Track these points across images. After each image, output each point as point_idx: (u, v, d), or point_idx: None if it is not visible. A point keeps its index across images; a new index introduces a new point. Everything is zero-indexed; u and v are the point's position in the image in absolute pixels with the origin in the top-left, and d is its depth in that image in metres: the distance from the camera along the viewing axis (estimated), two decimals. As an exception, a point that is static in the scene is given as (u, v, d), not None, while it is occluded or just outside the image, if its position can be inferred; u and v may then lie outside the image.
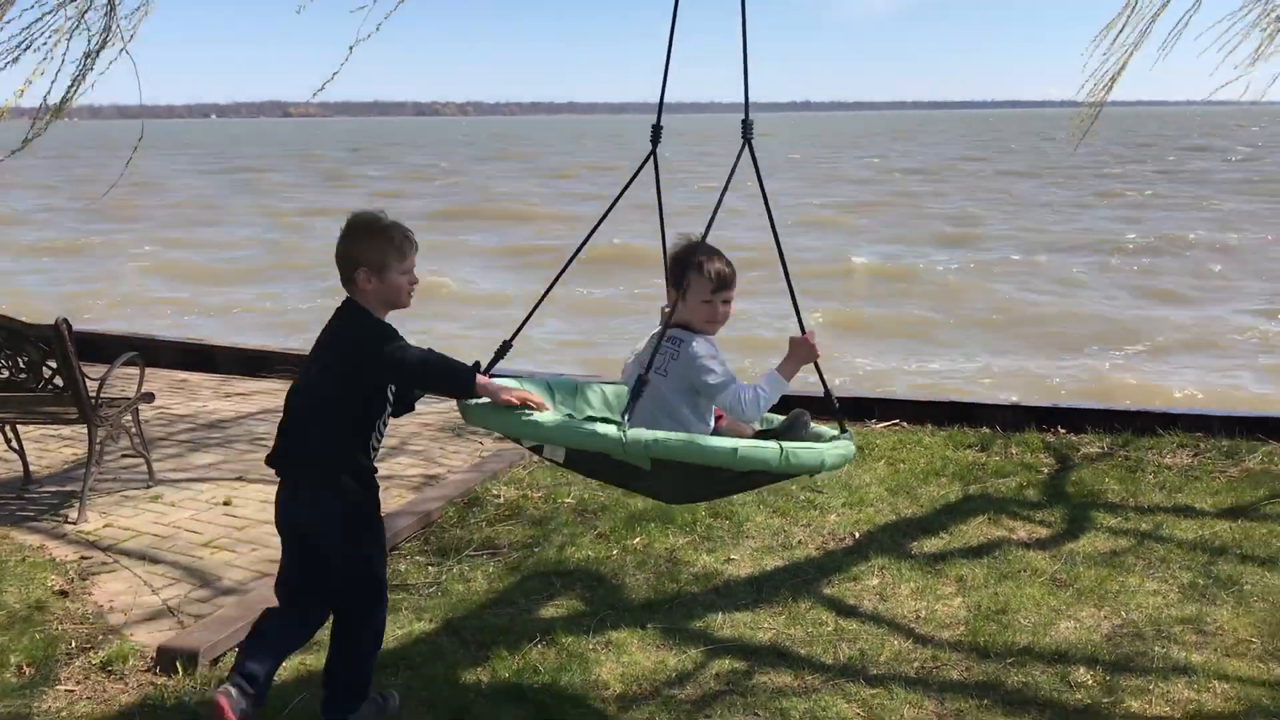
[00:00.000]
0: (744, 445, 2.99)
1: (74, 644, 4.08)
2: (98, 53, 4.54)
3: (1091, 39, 7.26)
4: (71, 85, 4.58)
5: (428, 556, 4.95)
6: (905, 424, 7.00)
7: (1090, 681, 3.77)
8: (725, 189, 3.26)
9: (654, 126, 3.55)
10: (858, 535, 5.13)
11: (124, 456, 6.28)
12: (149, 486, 5.93)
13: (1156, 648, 4.00)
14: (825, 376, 3.49)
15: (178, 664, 3.85)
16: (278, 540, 4.80)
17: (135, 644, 4.07)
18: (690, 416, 3.31)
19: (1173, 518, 5.30)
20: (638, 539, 5.08)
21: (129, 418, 5.83)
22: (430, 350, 3.26)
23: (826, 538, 5.11)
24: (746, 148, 3.43)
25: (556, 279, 3.55)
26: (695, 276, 3.34)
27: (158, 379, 8.24)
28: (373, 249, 3.26)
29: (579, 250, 3.62)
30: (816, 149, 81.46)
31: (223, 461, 6.42)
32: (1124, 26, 7.42)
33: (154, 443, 6.53)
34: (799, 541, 5.05)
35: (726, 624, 4.25)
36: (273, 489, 5.50)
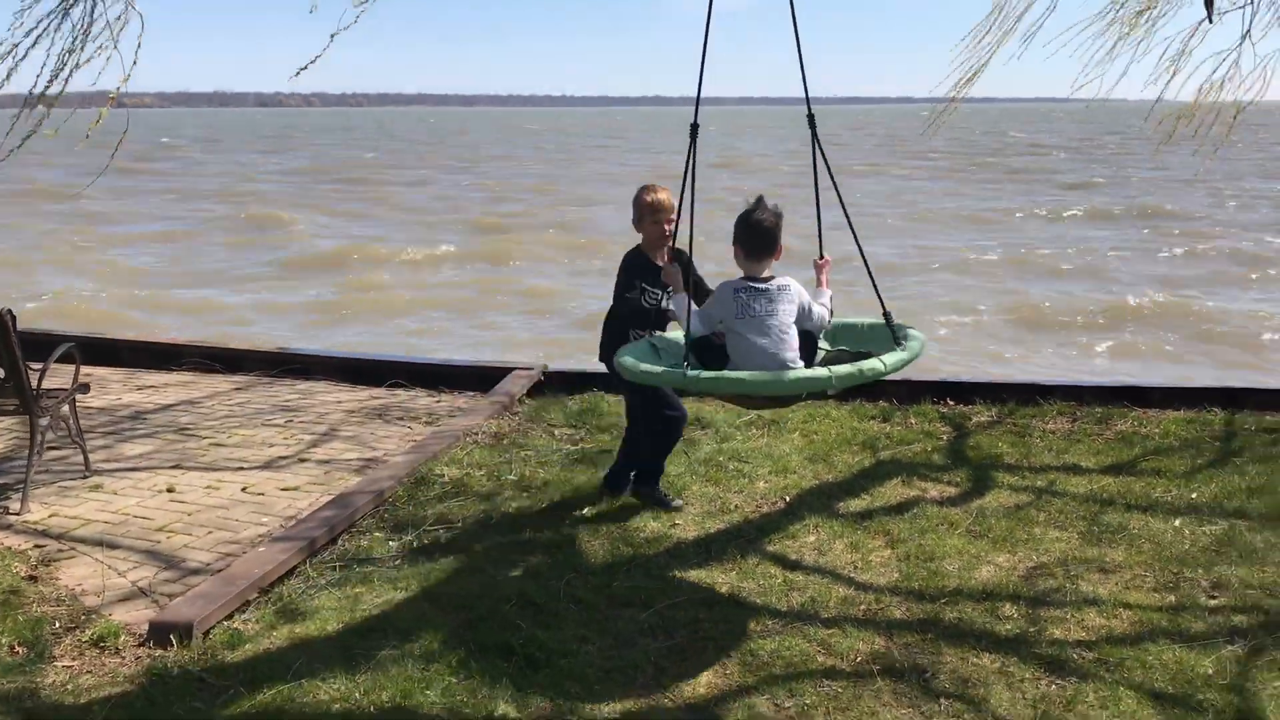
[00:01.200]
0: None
1: (58, 625, 4.18)
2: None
3: (960, 39, 7.86)
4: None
5: (386, 532, 5.15)
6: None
7: (1015, 615, 4.26)
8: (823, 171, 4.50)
9: (692, 124, 4.48)
10: (788, 499, 5.54)
11: (50, 448, 6.25)
12: (85, 477, 5.95)
13: (1067, 584, 4.52)
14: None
15: (172, 637, 3.99)
16: (233, 523, 5.06)
17: (120, 622, 4.19)
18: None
19: (1063, 475, 5.88)
20: (585, 509, 5.39)
21: (66, 408, 5.84)
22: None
23: (759, 502, 5.51)
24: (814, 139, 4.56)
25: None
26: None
27: (61, 373, 8.11)
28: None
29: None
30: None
31: (154, 451, 6.45)
32: (990, 29, 8.07)
33: (62, 438, 6.50)
34: (735, 506, 5.44)
35: (684, 581, 4.60)
36: (215, 475, 5.72)
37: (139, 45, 4.90)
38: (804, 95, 4.75)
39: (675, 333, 4.89)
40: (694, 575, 4.65)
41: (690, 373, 4.19)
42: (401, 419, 7.17)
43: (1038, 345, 14.88)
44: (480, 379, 7.98)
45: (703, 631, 4.14)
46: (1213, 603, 4.37)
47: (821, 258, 4.93)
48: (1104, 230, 27.04)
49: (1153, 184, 39.19)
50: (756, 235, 4.57)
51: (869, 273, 4.70)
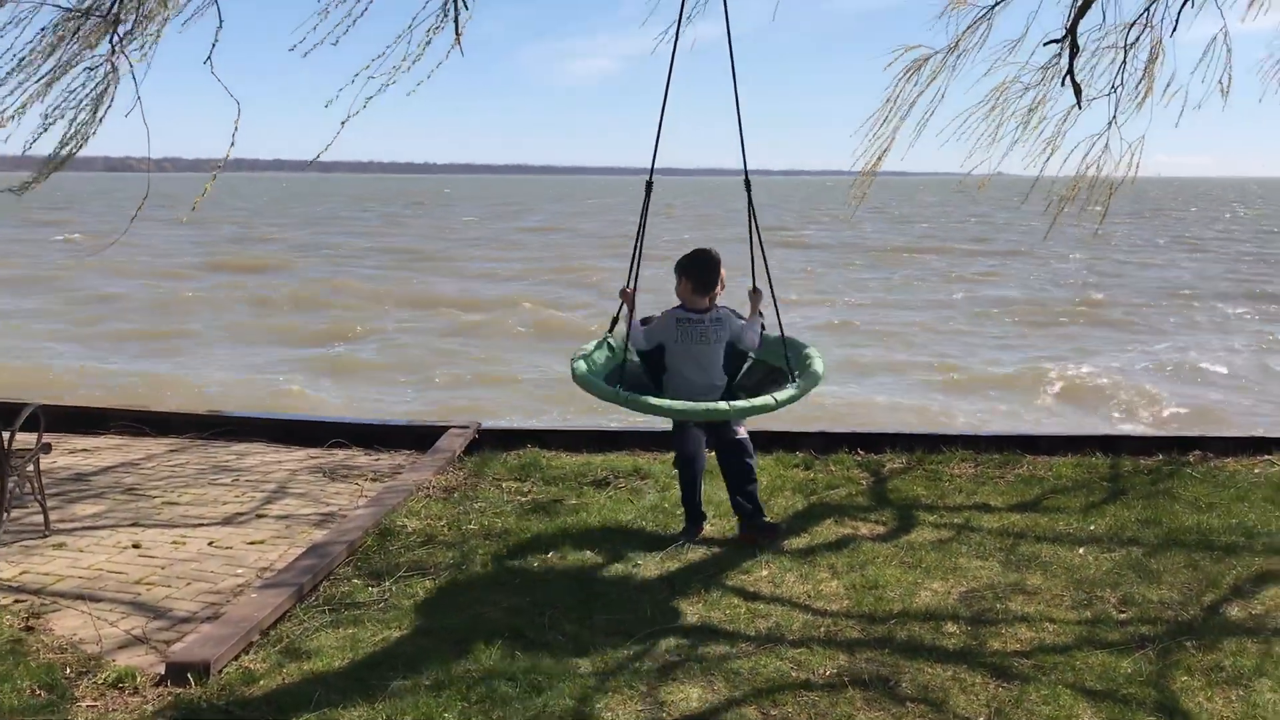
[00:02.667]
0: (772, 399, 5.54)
1: (69, 670, 4.33)
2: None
3: (860, 124, 8.65)
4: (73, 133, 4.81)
5: (364, 579, 5.40)
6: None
7: (958, 632, 4.79)
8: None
9: (647, 182, 5.66)
10: (736, 539, 6.00)
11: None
12: (45, 535, 6.03)
13: (997, 605, 5.08)
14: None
15: (189, 676, 4.20)
16: (209, 575, 5.34)
17: (131, 666, 4.37)
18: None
19: (976, 513, 6.49)
20: (550, 554, 5.74)
21: (31, 467, 5.94)
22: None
23: (710, 543, 5.94)
24: (748, 196, 5.79)
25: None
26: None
27: None
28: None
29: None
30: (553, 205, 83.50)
31: (109, 511, 6.54)
32: (886, 118, 8.88)
33: (26, 496, 6.56)
34: (688, 547, 5.86)
35: (656, 614, 4.99)
36: (177, 532, 5.96)
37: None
38: (742, 165, 5.89)
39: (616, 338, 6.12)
40: (664, 609, 5.05)
41: (622, 394, 5.44)
42: (347, 476, 7.40)
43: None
44: (416, 438, 8.25)
45: (684, 655, 4.54)
46: (1123, 616, 4.98)
47: (755, 289, 6.14)
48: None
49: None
50: (702, 271, 5.84)
51: (777, 313, 5.99)
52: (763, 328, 6.15)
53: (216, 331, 21.91)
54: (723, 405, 5.52)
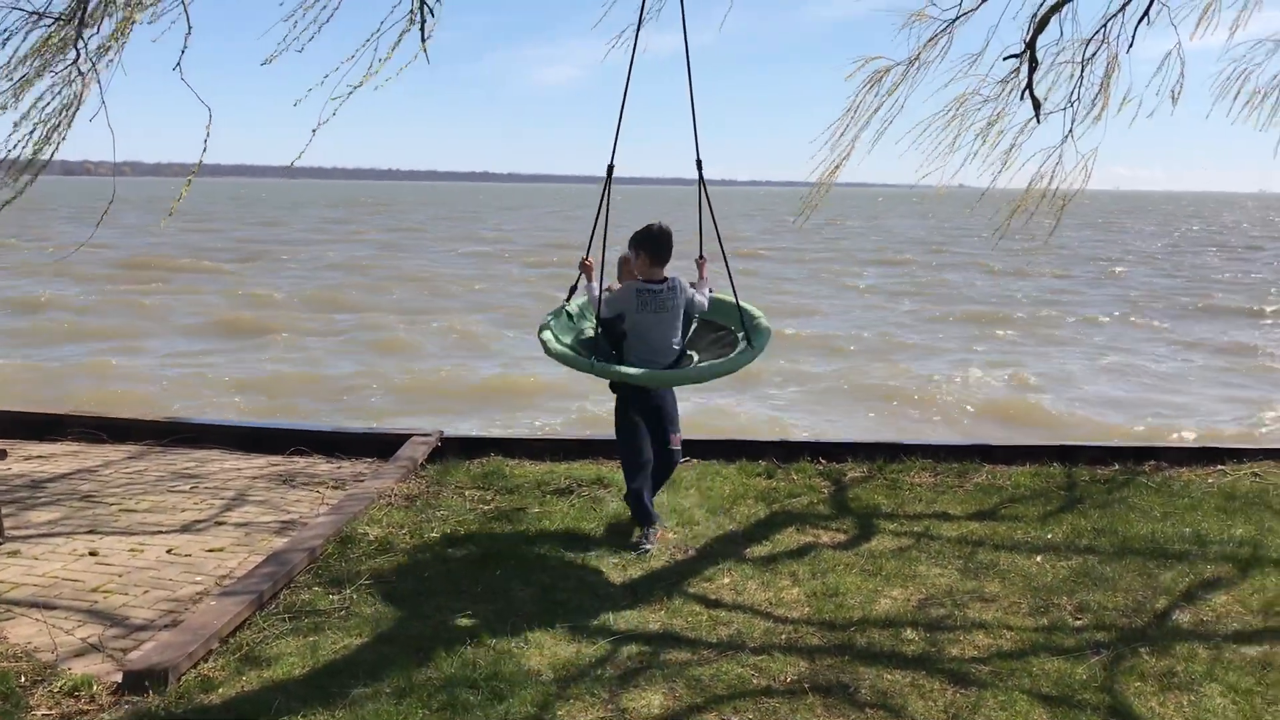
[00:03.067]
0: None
1: (24, 679, 4.28)
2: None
3: (820, 133, 8.74)
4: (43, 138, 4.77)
5: (325, 587, 5.37)
6: (697, 460, 8.00)
7: (916, 638, 4.84)
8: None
9: (609, 166, 5.94)
10: (698, 547, 6.03)
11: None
12: (0, 543, 5.95)
13: (955, 612, 5.14)
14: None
15: (147, 684, 4.17)
16: (167, 582, 5.30)
17: (88, 674, 4.32)
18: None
19: (935, 521, 6.56)
20: (512, 561, 5.74)
21: (-15, 474, 5.86)
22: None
23: (673, 551, 5.97)
24: (699, 177, 6.21)
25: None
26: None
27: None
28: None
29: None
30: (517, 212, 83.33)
31: (65, 518, 6.46)
32: (846, 127, 8.98)
33: (-20, 504, 6.48)
34: (651, 555, 5.88)
35: (619, 620, 5.01)
36: (135, 539, 5.90)
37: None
38: (695, 151, 6.24)
39: (574, 305, 6.52)
40: (627, 616, 5.06)
41: (597, 364, 5.82)
42: (308, 484, 7.36)
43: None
44: (378, 446, 8.22)
45: (646, 662, 4.56)
46: (1078, 622, 5.05)
47: (701, 256, 6.70)
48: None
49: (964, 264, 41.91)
50: (657, 244, 6.11)
51: (730, 277, 6.27)
52: (710, 290, 6.60)
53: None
54: (690, 370, 6.11)
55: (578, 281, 6.40)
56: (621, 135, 6.15)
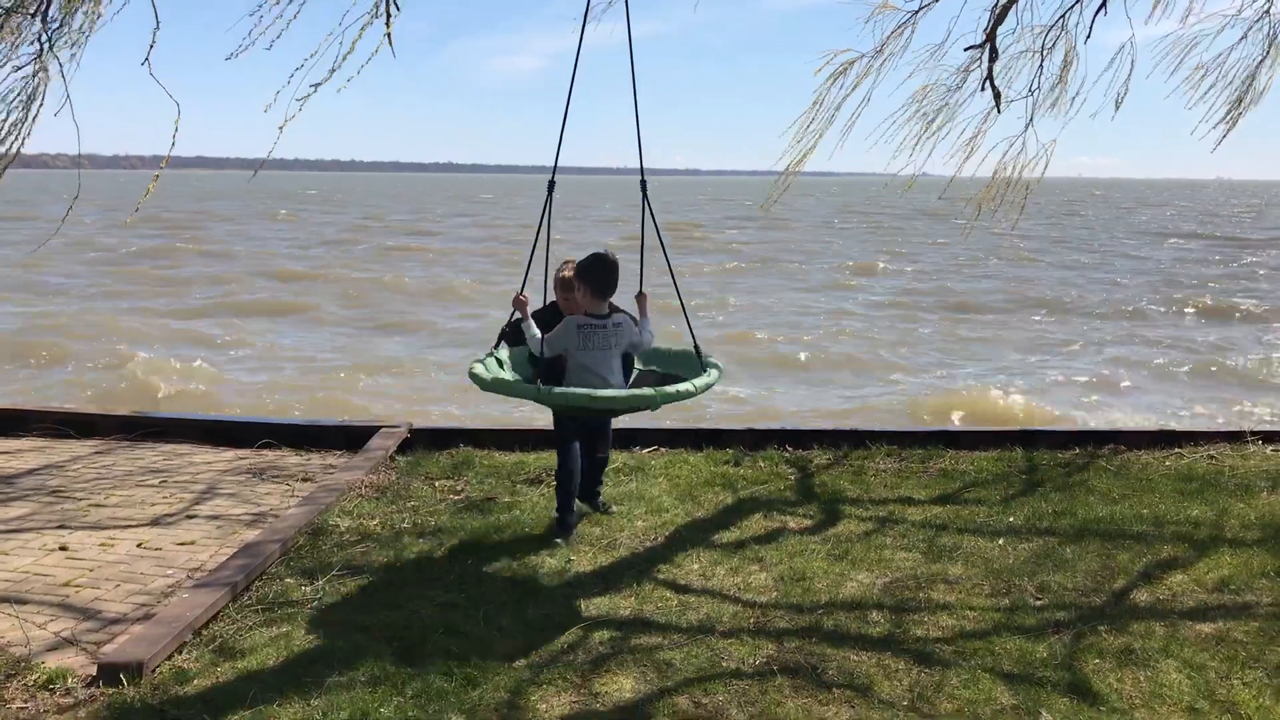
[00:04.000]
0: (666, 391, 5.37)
1: (-3, 674, 4.30)
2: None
3: (787, 126, 8.81)
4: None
5: (298, 578, 5.40)
6: (665, 448, 8.08)
7: (882, 620, 4.94)
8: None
9: (549, 182, 5.66)
10: (667, 534, 6.10)
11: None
12: (-32, 539, 5.94)
13: (920, 594, 5.25)
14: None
15: (122, 677, 4.19)
16: (139, 576, 5.35)
17: (62, 667, 4.34)
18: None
19: (899, 506, 6.67)
20: (483, 550, 5.79)
21: (-47, 470, 5.84)
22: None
23: (642, 538, 6.04)
24: (644, 199, 5.72)
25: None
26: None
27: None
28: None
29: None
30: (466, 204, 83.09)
31: (33, 513, 6.45)
32: (813, 119, 9.06)
33: (-53, 500, 6.46)
34: (620, 543, 5.95)
35: (591, 607, 5.08)
36: (105, 534, 5.90)
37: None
38: (639, 164, 5.91)
39: (503, 352, 5.96)
40: (598, 602, 5.13)
41: (543, 388, 5.26)
42: (278, 477, 7.37)
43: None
44: (347, 438, 8.24)
45: (617, 647, 4.63)
46: (1039, 603, 5.17)
47: (641, 292, 6.12)
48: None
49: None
50: (603, 276, 5.74)
51: (684, 311, 6.02)
52: (650, 331, 6.04)
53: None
54: (649, 392, 5.40)
55: (510, 319, 5.91)
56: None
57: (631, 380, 6.05)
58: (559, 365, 5.76)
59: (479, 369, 5.51)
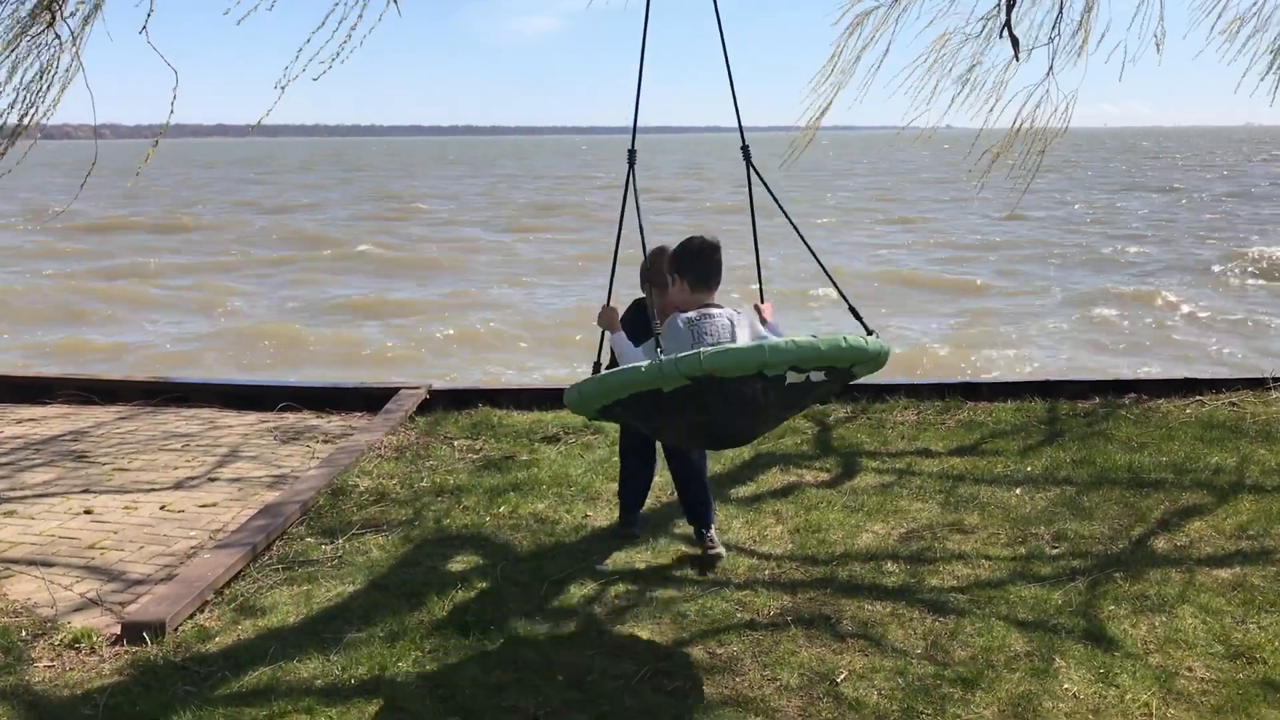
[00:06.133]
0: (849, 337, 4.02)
1: (24, 633, 4.37)
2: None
3: (809, 79, 8.70)
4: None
5: (317, 538, 5.47)
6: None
7: (897, 570, 4.95)
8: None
9: (630, 150, 4.54)
10: (683, 489, 6.12)
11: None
12: (-6, 505, 6.03)
13: (935, 544, 5.25)
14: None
15: (145, 635, 4.26)
16: (163, 538, 5.40)
17: (88, 627, 4.42)
18: None
19: (917, 458, 6.66)
20: (502, 508, 5.83)
21: (-22, 437, 5.92)
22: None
23: (658, 493, 6.04)
24: (749, 167, 4.66)
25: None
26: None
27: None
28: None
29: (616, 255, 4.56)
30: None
31: (59, 478, 6.54)
32: (831, 72, 8.95)
33: (-26, 467, 6.55)
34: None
35: (607, 561, 5.11)
36: (129, 497, 5.96)
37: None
38: (739, 128, 4.83)
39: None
40: (615, 557, 5.17)
41: (668, 361, 3.78)
42: (298, 439, 7.43)
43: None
44: (366, 400, 8.29)
45: (633, 600, 4.67)
46: (1055, 551, 5.17)
47: (763, 301, 4.84)
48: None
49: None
50: (703, 264, 4.48)
51: (834, 284, 4.70)
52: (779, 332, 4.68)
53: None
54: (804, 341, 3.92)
55: (601, 346, 4.59)
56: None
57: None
58: None
59: (575, 394, 4.15)
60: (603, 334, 4.61)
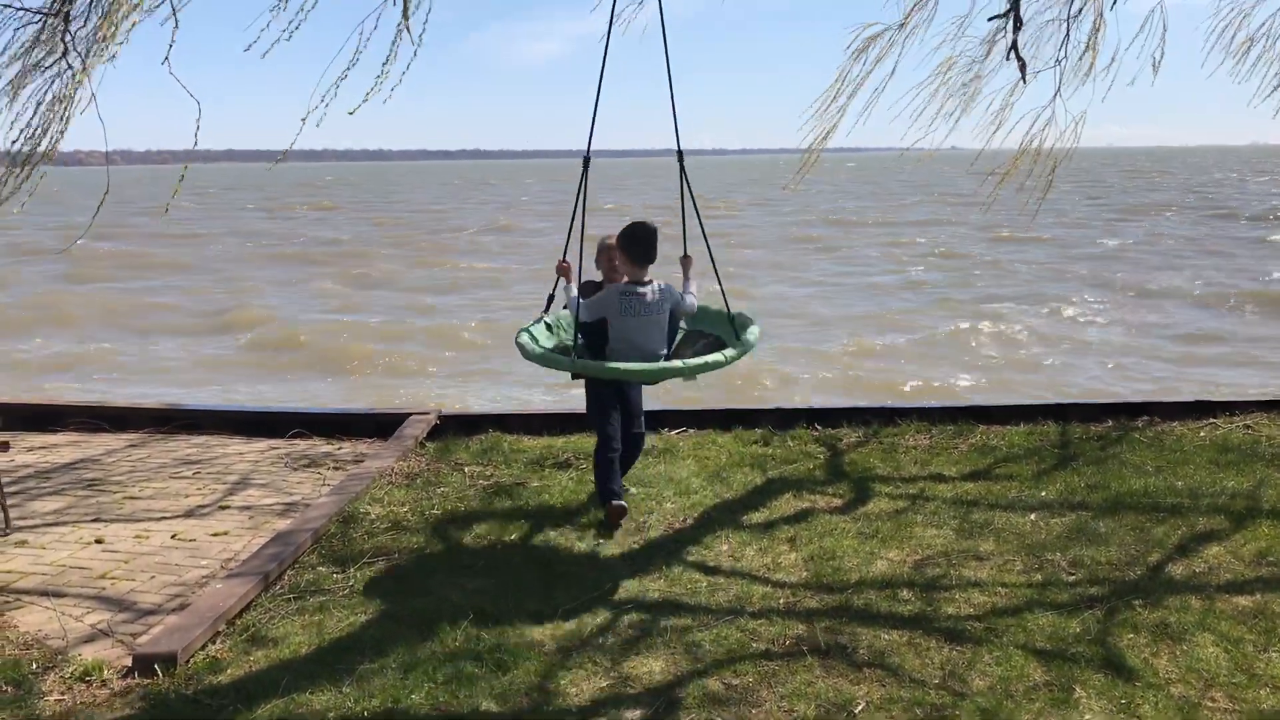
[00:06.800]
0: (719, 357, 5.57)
1: (35, 665, 4.35)
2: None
3: (810, 104, 8.71)
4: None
5: (329, 566, 5.44)
6: (693, 429, 8.06)
7: (912, 598, 4.91)
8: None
9: (584, 158, 5.70)
10: (695, 516, 6.10)
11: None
12: (6, 533, 6.01)
13: (951, 571, 5.21)
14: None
15: (156, 667, 4.24)
16: (173, 567, 5.38)
17: (98, 659, 4.39)
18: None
19: (930, 483, 6.63)
20: (513, 536, 5.81)
21: (-11, 466, 5.91)
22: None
23: (670, 520, 6.04)
24: (681, 169, 5.86)
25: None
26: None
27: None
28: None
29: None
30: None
31: (69, 507, 6.52)
32: (835, 95, 8.95)
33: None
34: (649, 525, 5.95)
35: (619, 591, 5.08)
36: (140, 526, 5.94)
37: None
38: (675, 137, 5.92)
39: (553, 316, 6.17)
40: (627, 585, 5.13)
41: (575, 360, 5.60)
42: (309, 466, 7.42)
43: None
44: (377, 425, 8.28)
45: (647, 629, 4.63)
46: (1071, 578, 5.13)
47: (685, 255, 6.25)
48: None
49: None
50: (639, 244, 5.84)
51: (716, 273, 6.00)
52: (694, 293, 6.19)
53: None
54: (677, 364, 5.56)
55: (555, 287, 5.92)
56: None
57: (677, 342, 6.19)
58: (601, 331, 5.87)
59: (525, 339, 5.75)
60: (558, 279, 5.88)
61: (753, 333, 5.87)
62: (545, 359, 5.58)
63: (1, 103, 4.74)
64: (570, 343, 5.95)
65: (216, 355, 18.55)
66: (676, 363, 5.62)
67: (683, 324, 6.29)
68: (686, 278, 6.20)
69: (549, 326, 6.12)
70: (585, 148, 5.70)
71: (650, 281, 5.87)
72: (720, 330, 6.13)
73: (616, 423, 6.09)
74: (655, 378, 5.82)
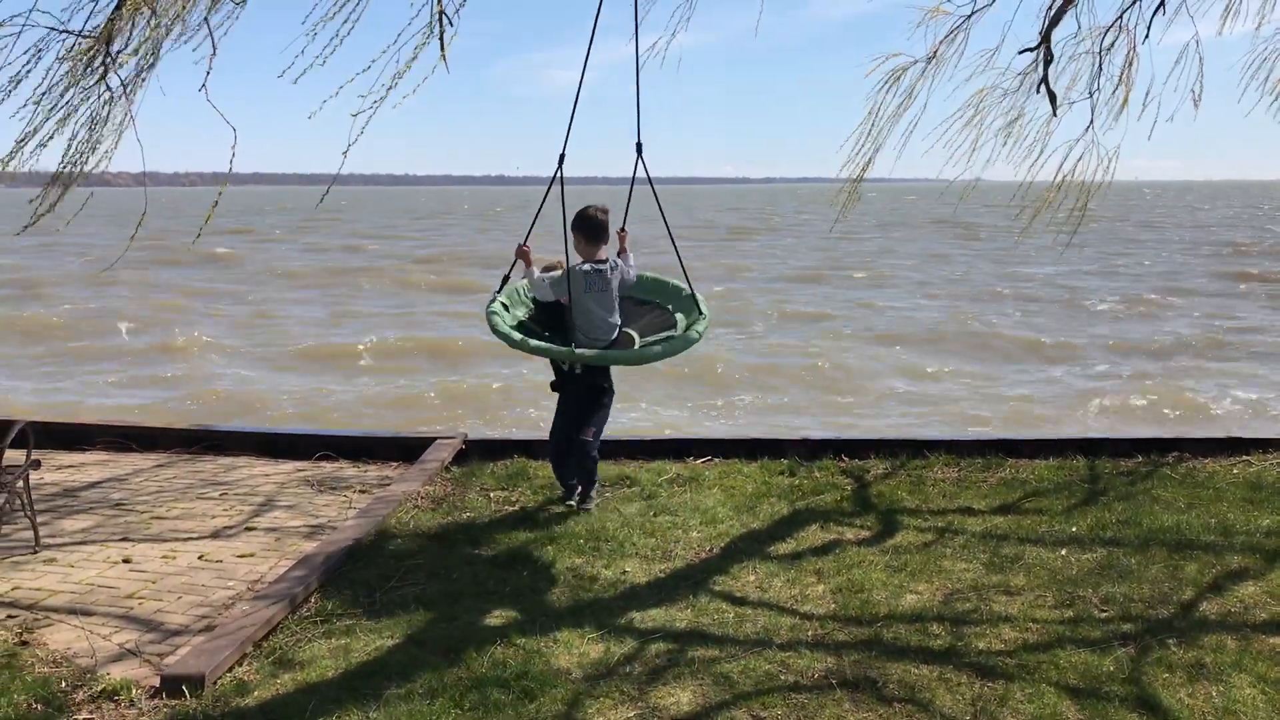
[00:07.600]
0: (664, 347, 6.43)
1: (64, 683, 4.36)
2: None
3: (846, 137, 8.73)
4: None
5: (355, 590, 5.43)
6: (719, 459, 8.03)
7: (942, 632, 4.86)
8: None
9: (560, 155, 6.18)
10: (722, 545, 6.06)
11: (-10, 527, 6.31)
12: (35, 551, 6.04)
13: (981, 605, 5.16)
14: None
15: (184, 688, 4.24)
16: (200, 588, 5.41)
17: (126, 678, 4.39)
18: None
19: (959, 516, 6.57)
20: (538, 561, 5.79)
21: (20, 484, 5.95)
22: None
23: (697, 549, 6.01)
24: (638, 158, 6.37)
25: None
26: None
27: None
28: None
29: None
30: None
31: (97, 526, 6.55)
32: (870, 130, 8.96)
33: (15, 513, 6.56)
34: (676, 554, 5.92)
35: (646, 619, 5.05)
36: (167, 546, 5.97)
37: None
38: (636, 128, 6.37)
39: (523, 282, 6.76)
40: (654, 614, 5.10)
41: (529, 342, 6.20)
42: (335, 489, 7.43)
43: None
44: (402, 449, 8.30)
45: (674, 659, 4.60)
46: (1103, 614, 5.06)
47: (622, 229, 6.81)
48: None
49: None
50: (592, 226, 6.47)
51: (679, 258, 6.73)
52: (633, 263, 6.82)
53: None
54: (631, 352, 6.47)
55: (511, 269, 6.61)
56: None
57: (632, 315, 6.85)
58: (557, 308, 6.54)
59: (497, 309, 6.39)
60: (515, 261, 6.55)
61: (702, 316, 6.57)
62: (509, 340, 6.14)
63: (49, 124, 4.79)
64: (526, 317, 6.67)
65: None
66: (632, 350, 6.47)
67: (637, 294, 6.98)
68: (622, 248, 6.79)
69: (518, 291, 6.75)
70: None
71: (606, 260, 6.53)
72: (663, 298, 6.97)
73: (560, 420, 6.71)
74: (595, 363, 6.39)
